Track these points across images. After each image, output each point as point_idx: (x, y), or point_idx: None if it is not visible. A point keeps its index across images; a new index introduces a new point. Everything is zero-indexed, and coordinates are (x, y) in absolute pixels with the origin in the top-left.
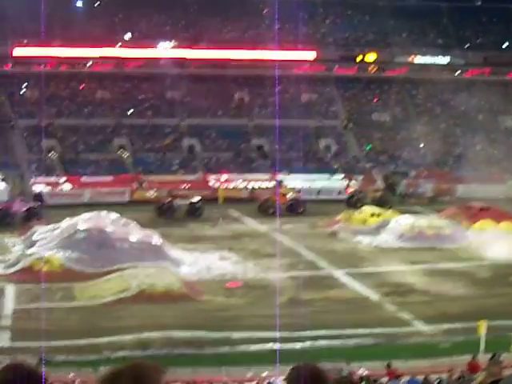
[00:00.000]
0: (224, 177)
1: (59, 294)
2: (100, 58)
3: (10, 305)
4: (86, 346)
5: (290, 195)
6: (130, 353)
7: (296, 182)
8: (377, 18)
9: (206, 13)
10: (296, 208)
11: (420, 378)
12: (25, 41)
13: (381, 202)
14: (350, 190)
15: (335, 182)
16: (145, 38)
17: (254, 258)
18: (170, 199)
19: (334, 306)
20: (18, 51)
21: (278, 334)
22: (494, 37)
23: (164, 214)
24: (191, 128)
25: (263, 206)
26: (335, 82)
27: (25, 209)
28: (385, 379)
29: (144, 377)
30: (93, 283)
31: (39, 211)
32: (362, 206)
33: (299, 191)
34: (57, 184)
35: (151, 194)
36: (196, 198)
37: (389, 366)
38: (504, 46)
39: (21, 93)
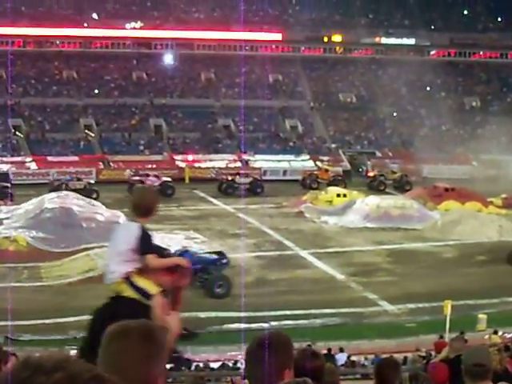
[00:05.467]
0: (190, 157)
1: (26, 273)
2: (67, 37)
3: None
4: (52, 325)
5: (332, 171)
6: None
7: (261, 162)
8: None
9: None
10: (337, 183)
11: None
12: None
13: (401, 185)
14: (371, 173)
15: (300, 163)
16: (112, 18)
17: (220, 238)
18: (231, 177)
19: (300, 286)
20: None
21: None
22: (460, 18)
23: (226, 191)
24: (158, 108)
25: (305, 181)
26: (301, 63)
27: None
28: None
29: (153, 335)
30: (59, 263)
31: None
32: (384, 189)
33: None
34: (23, 163)
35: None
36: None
37: None
38: (469, 28)
39: None
